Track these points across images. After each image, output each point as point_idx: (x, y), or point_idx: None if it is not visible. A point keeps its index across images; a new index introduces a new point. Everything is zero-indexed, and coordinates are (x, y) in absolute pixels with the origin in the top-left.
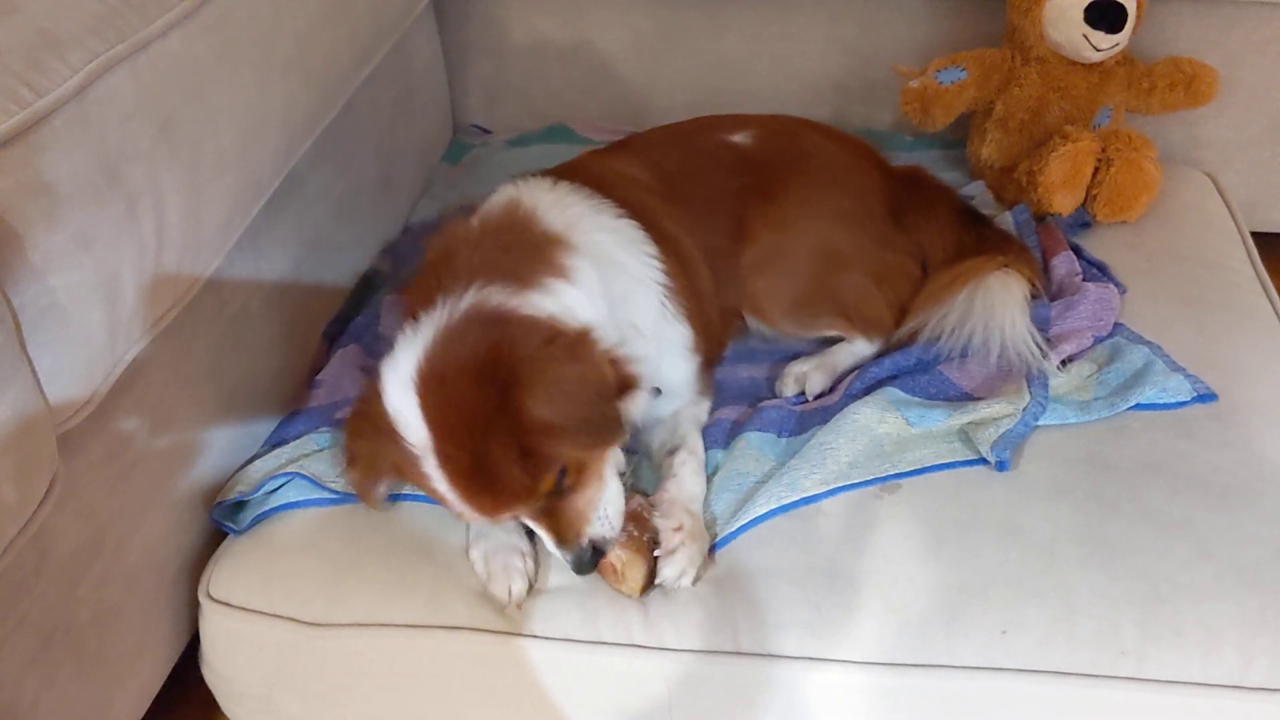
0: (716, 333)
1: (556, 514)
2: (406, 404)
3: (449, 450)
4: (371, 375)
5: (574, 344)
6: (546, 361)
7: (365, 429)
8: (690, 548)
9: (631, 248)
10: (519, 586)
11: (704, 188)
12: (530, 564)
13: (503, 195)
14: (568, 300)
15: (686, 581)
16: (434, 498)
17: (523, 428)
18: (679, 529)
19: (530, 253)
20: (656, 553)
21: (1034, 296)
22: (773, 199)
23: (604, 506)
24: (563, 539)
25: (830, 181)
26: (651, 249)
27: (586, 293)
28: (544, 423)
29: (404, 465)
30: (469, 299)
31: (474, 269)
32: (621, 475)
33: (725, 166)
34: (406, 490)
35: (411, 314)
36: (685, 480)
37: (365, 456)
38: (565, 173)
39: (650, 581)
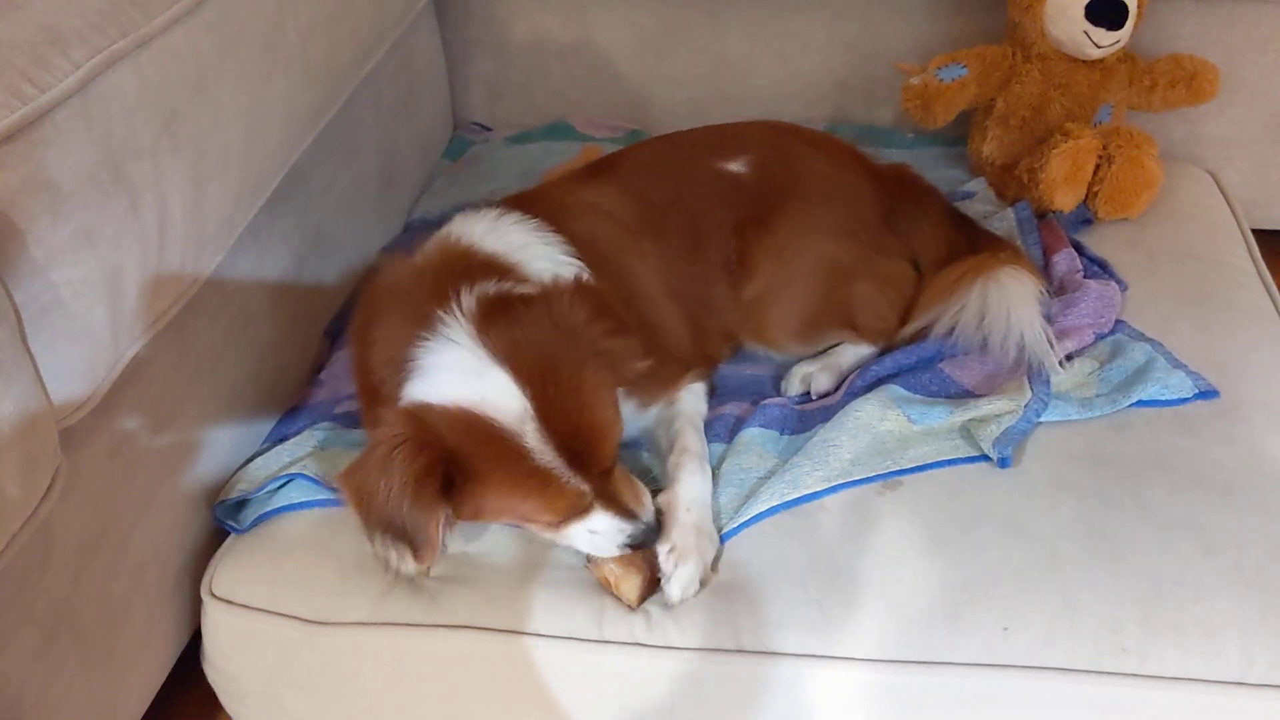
0: (686, 358)
1: (617, 493)
2: (492, 382)
3: (555, 400)
4: (394, 413)
5: (587, 288)
6: (583, 307)
7: (413, 479)
8: (687, 564)
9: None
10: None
11: (693, 219)
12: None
13: (439, 234)
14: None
15: (691, 593)
16: (523, 492)
17: (602, 356)
18: (671, 550)
19: (487, 269)
20: (661, 576)
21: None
22: (770, 229)
23: (634, 480)
24: (629, 512)
25: (823, 200)
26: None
27: None
28: (609, 349)
29: (485, 467)
30: (470, 297)
31: (442, 285)
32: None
33: (718, 196)
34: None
35: (370, 369)
36: (681, 485)
37: (426, 505)
38: (523, 202)
39: (648, 591)
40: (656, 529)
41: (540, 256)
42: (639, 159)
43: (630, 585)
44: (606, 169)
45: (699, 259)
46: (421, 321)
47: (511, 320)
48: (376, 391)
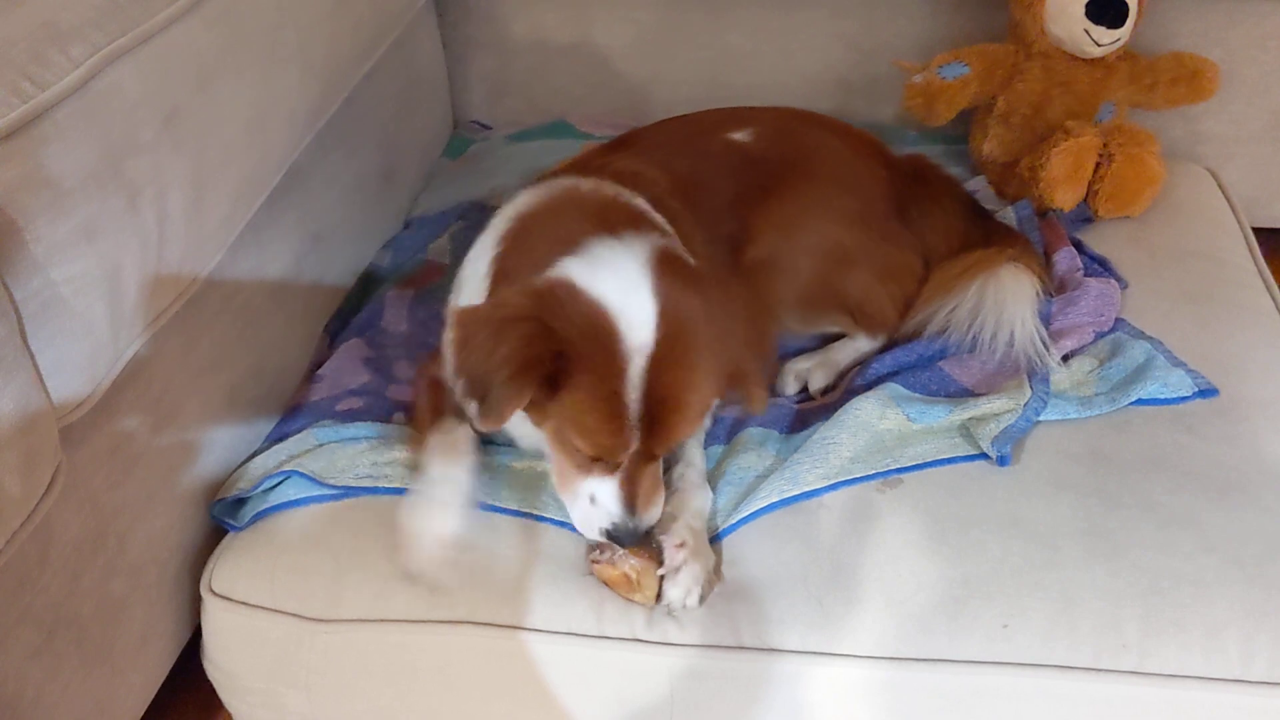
0: None
1: (640, 480)
2: (638, 300)
3: (670, 360)
4: (540, 283)
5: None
6: (744, 306)
7: (522, 340)
8: (694, 565)
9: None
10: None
11: (708, 192)
12: None
13: (563, 181)
14: None
15: (692, 601)
16: (594, 415)
17: (735, 365)
18: (681, 545)
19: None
20: (661, 570)
21: (1042, 292)
22: (777, 198)
23: (660, 491)
24: (632, 505)
25: (835, 180)
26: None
27: None
28: (743, 365)
29: (585, 366)
30: (648, 242)
31: (617, 217)
32: None
33: (729, 168)
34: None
35: (530, 255)
36: (686, 495)
37: (519, 373)
38: (579, 168)
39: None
40: (642, 539)
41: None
42: (654, 137)
43: (651, 580)
44: (628, 143)
45: (716, 234)
46: (601, 225)
47: (685, 277)
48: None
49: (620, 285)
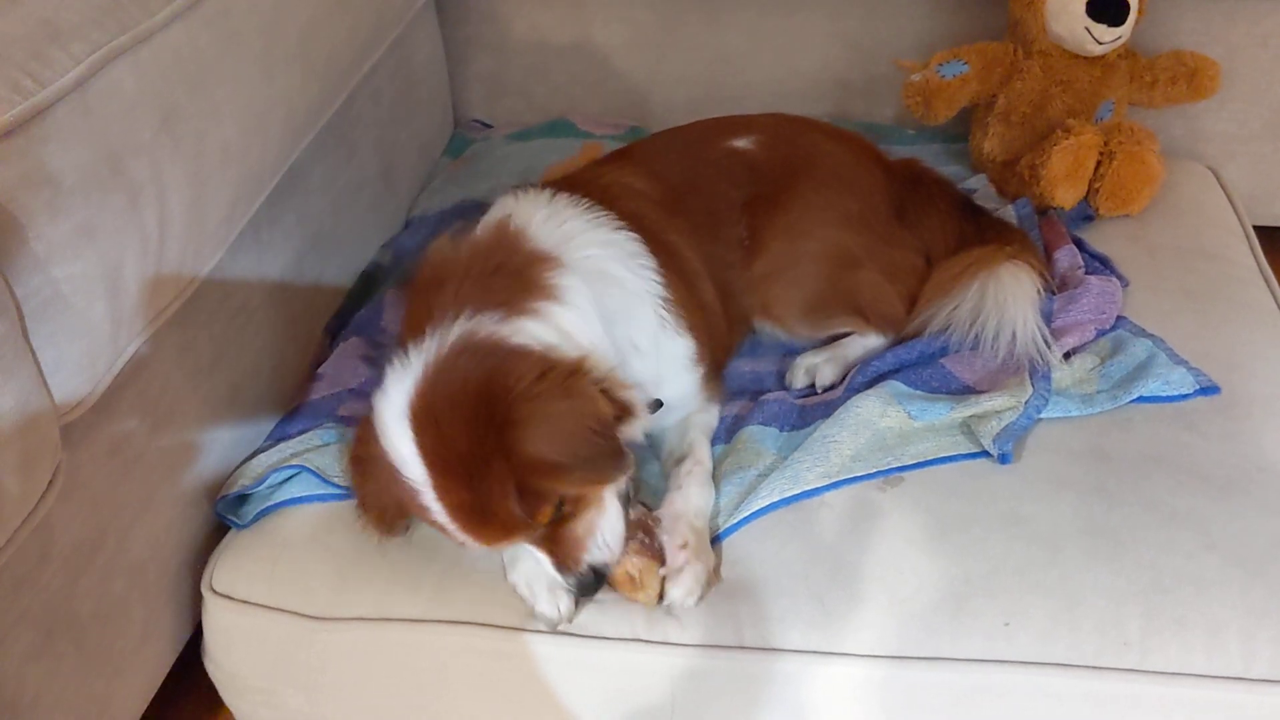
0: (723, 342)
1: (557, 540)
2: (402, 441)
3: (446, 486)
4: (366, 410)
5: (568, 378)
6: (540, 399)
7: (368, 468)
8: (695, 566)
9: (628, 261)
10: (566, 604)
11: (709, 199)
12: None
13: (496, 212)
14: (561, 322)
15: (692, 602)
16: (435, 529)
17: (519, 466)
18: (683, 546)
19: (519, 275)
20: (662, 571)
21: (1043, 289)
22: (781, 207)
23: (602, 533)
24: (563, 565)
25: (836, 184)
26: (649, 261)
27: (579, 312)
28: (541, 461)
29: (406, 499)
30: (459, 329)
31: (462, 296)
32: (624, 495)
33: (730, 176)
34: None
35: (402, 344)
36: (690, 492)
37: (373, 496)
38: (566, 184)
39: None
40: (593, 585)
41: (591, 242)
42: (652, 145)
43: (653, 579)
44: (624, 156)
45: (717, 240)
46: (429, 325)
47: (461, 385)
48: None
49: (391, 430)
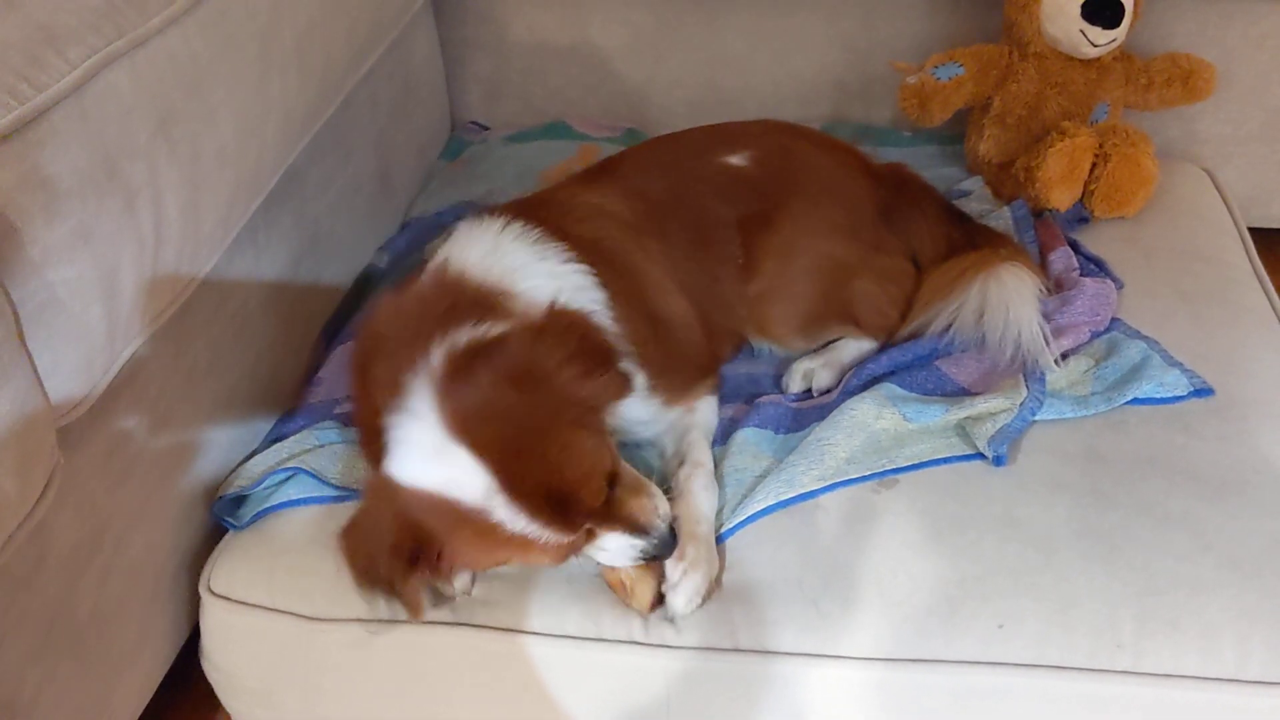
0: (700, 359)
1: (622, 510)
2: (453, 466)
3: (521, 471)
4: (372, 482)
5: (555, 318)
6: (552, 344)
7: (386, 552)
8: (694, 576)
9: (574, 294)
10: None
11: (696, 214)
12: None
13: (443, 252)
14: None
15: (694, 607)
16: (504, 555)
17: (573, 404)
18: (681, 559)
19: (472, 306)
20: (664, 587)
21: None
22: (774, 226)
23: (643, 484)
24: (641, 527)
25: (826, 199)
26: (598, 295)
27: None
28: (581, 395)
29: (457, 543)
30: (441, 353)
31: (425, 333)
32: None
33: (721, 193)
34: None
35: (372, 409)
36: (692, 498)
37: (401, 575)
38: (535, 204)
39: (660, 599)
40: (672, 539)
41: (537, 274)
42: (640, 158)
43: (645, 589)
44: (607, 170)
45: (705, 255)
46: (407, 370)
47: (476, 381)
48: (378, 434)
49: (427, 462)
